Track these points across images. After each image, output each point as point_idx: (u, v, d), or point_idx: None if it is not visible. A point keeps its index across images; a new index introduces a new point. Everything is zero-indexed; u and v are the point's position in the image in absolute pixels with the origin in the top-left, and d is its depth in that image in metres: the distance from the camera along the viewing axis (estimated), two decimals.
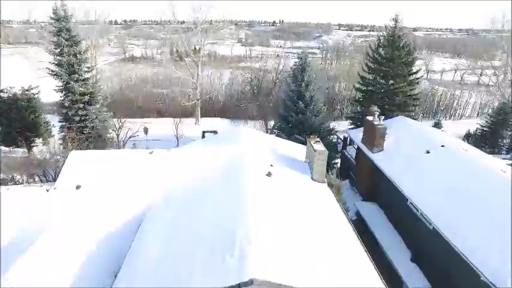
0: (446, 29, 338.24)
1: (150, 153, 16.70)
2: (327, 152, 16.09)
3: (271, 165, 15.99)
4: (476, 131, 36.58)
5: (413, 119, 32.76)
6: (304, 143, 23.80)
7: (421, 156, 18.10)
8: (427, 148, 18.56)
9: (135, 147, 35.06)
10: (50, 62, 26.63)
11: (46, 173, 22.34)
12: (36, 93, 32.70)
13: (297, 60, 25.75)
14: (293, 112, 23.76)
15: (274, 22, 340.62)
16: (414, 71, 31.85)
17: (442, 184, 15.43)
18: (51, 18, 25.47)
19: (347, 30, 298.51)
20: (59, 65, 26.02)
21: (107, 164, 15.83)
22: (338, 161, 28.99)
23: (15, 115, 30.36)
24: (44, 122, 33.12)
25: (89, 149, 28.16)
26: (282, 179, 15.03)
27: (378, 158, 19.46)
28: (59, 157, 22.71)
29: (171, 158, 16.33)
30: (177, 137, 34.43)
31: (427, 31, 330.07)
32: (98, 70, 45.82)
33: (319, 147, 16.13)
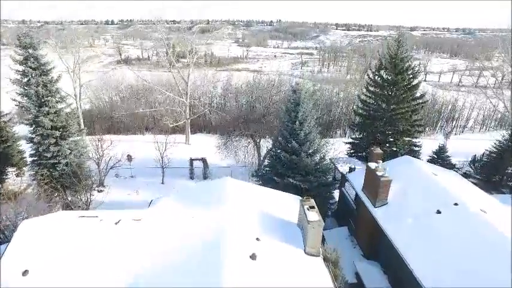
0: (444, 29, 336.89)
1: (116, 223, 14.21)
2: (323, 223, 13.72)
3: (257, 238, 13.61)
4: (483, 155, 34.23)
5: (417, 146, 30.66)
6: (298, 188, 21.54)
7: (431, 217, 15.75)
8: (438, 204, 16.23)
9: (117, 177, 32.70)
10: (16, 93, 24.01)
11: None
12: (8, 121, 30.17)
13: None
14: (285, 151, 21.32)
15: (271, 22, 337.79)
16: (418, 95, 29.47)
17: (455, 264, 13.07)
18: (16, 45, 22.84)
19: (344, 30, 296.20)
20: (26, 96, 23.40)
21: (65, 239, 13.35)
22: (336, 195, 26.70)
23: None
24: (18, 152, 30.59)
25: (63, 187, 25.70)
26: (269, 260, 12.66)
27: (381, 215, 17.07)
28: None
29: (140, 230, 13.86)
30: (162, 168, 31.86)
31: (424, 30, 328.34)
32: (82, 88, 43.24)
33: (313, 216, 13.73)
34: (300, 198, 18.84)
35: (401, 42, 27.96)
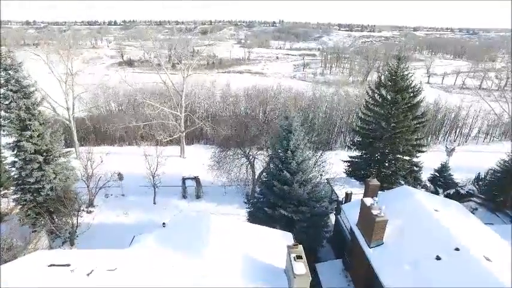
0: (447, 29, 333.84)
1: (88, 274, 13.16)
2: (310, 277, 12.60)
3: None
4: (487, 174, 32.93)
5: (418, 167, 29.43)
6: (290, 218, 20.44)
7: (429, 263, 14.55)
8: (438, 248, 15.03)
9: (107, 197, 31.73)
10: None
11: None
12: None
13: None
14: (277, 181, 20.20)
15: (274, 22, 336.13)
16: (420, 113, 28.24)
17: None
18: None
19: (347, 30, 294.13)
20: (7, 119, 22.41)
21: None
22: (333, 217, 25.57)
23: None
24: (4, 171, 29.64)
25: (48, 212, 24.75)
26: None
27: (376, 258, 15.89)
28: None
29: (114, 282, 12.80)
30: (154, 187, 30.81)
31: (427, 31, 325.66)
32: (75, 99, 42.28)
33: (301, 268, 12.64)
34: (290, 235, 17.89)
35: (401, 59, 26.72)
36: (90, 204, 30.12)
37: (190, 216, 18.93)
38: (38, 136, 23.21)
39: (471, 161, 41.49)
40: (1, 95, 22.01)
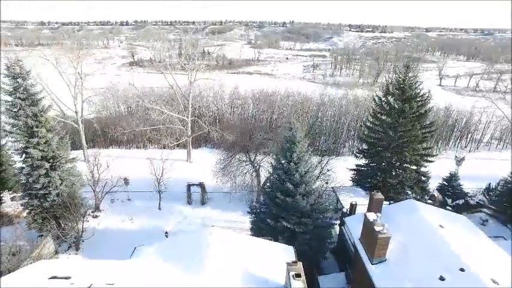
0: (461, 29, 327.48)
1: None
2: None
3: None
4: (498, 184, 32.06)
5: (425, 177, 28.88)
6: (292, 232, 20.24)
7: (432, 283, 14.20)
8: (442, 267, 14.64)
9: (113, 202, 31.99)
10: (5, 122, 23.47)
11: None
12: (3, 144, 29.83)
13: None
14: (280, 192, 20.02)
15: (284, 23, 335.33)
16: (428, 123, 27.68)
17: None
18: (5, 75, 22.22)
19: (358, 31, 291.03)
20: (15, 126, 22.80)
21: None
22: (337, 226, 25.23)
23: None
24: (13, 175, 30.20)
25: (55, 217, 25.07)
26: None
27: (378, 276, 15.58)
28: None
29: None
30: (159, 193, 30.95)
31: (440, 31, 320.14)
32: (84, 102, 42.79)
33: (299, 287, 12.45)
34: (291, 248, 17.68)
35: (410, 68, 26.23)
36: (96, 208, 30.43)
37: (191, 229, 18.88)
38: (45, 143, 23.53)
39: (482, 169, 40.51)
40: (10, 102, 22.36)
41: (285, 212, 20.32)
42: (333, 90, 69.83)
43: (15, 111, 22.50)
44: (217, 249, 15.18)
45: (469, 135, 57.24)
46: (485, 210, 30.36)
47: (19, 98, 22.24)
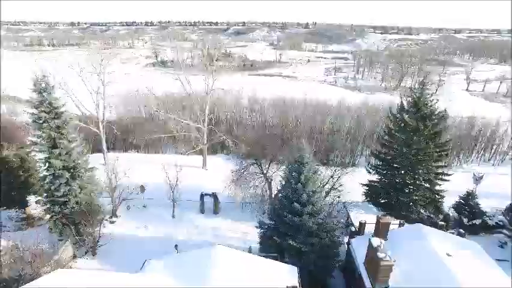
0: (493, 31, 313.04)
1: None
2: None
3: None
4: None
5: (439, 196, 28.31)
6: (299, 250, 20.47)
7: None
8: None
9: (129, 209, 33.19)
10: (32, 134, 25.01)
11: None
12: (31, 150, 31.60)
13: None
14: (288, 212, 20.31)
15: (307, 24, 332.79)
16: (442, 141, 27.09)
17: None
18: (32, 90, 23.71)
19: (382, 33, 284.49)
20: (39, 137, 24.32)
21: None
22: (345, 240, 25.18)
23: (6, 177, 29.65)
24: (38, 180, 31.96)
25: (74, 223, 26.42)
26: None
27: None
28: None
29: None
30: (173, 201, 31.93)
31: (469, 33, 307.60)
32: (105, 108, 44.50)
33: None
34: (295, 270, 17.91)
35: (425, 85, 25.81)
36: (114, 214, 31.75)
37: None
38: (66, 154, 24.89)
39: (505, 187, 38.88)
40: (35, 115, 23.84)
41: (291, 231, 20.58)
42: (352, 100, 68.99)
43: (40, 123, 23.95)
44: (220, 270, 15.71)
45: (494, 147, 55.06)
46: (504, 231, 29.25)
47: (43, 111, 23.66)
